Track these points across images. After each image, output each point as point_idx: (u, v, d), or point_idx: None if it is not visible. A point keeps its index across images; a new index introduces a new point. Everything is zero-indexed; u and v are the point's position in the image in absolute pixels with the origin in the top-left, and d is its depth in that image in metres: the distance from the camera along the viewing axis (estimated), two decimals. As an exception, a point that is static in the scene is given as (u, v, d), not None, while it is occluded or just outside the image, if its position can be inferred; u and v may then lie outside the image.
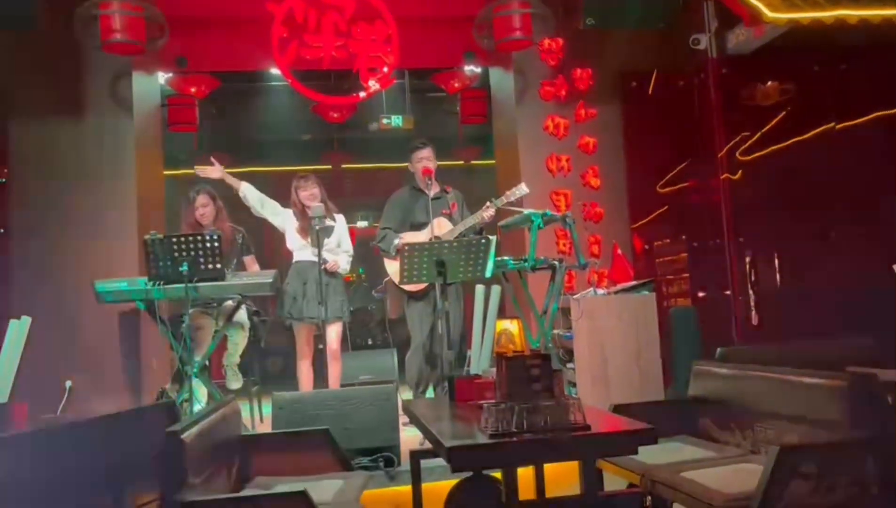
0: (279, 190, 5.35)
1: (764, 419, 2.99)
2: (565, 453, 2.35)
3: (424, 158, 5.03)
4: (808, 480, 2.29)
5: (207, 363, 4.79)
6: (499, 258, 4.36)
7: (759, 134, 6.16)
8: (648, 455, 2.68)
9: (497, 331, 2.77)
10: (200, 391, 4.78)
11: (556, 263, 4.53)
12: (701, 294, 6.05)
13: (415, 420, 2.98)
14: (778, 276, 6.03)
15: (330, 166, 10.52)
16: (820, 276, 5.79)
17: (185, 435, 2.27)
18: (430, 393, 5.07)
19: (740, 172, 6.05)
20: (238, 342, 5.06)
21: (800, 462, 2.29)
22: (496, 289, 3.11)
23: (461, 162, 10.35)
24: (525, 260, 4.45)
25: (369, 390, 3.72)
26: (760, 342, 5.27)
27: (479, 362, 3.07)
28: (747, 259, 5.99)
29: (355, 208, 11.61)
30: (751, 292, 5.94)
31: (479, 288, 3.22)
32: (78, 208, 5.42)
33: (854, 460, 2.35)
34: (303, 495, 2.13)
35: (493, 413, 2.27)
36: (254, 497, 2.24)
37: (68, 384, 4.96)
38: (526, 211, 4.46)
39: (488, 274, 4.25)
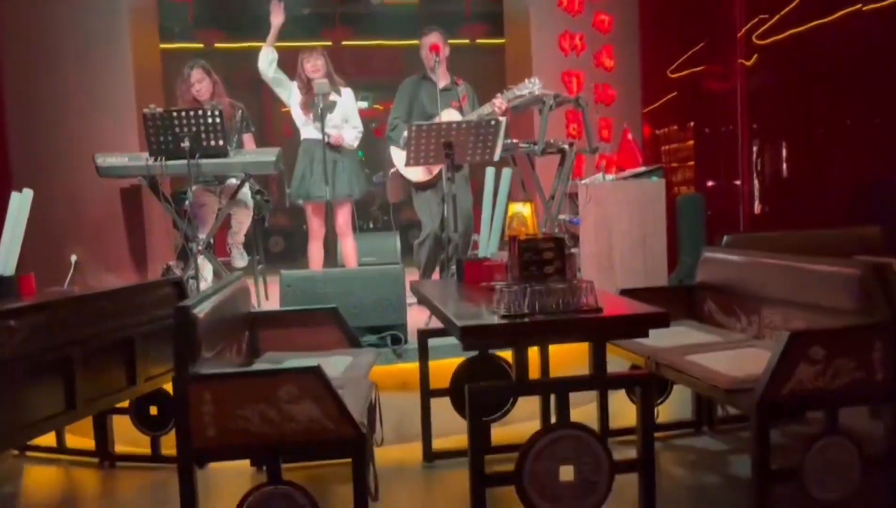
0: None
1: (771, 305, 3.01)
2: (577, 334, 2.36)
3: (433, 41, 4.82)
4: (816, 365, 2.31)
5: (212, 240, 4.77)
6: (508, 141, 4.28)
7: (777, 17, 5.89)
8: (653, 337, 2.69)
9: (509, 214, 2.73)
10: (206, 269, 4.79)
11: (566, 147, 4.44)
12: (709, 183, 5.97)
13: (424, 300, 2.99)
14: (786, 165, 5.91)
15: (330, 43, 10.17)
16: (833, 166, 5.66)
17: (197, 310, 2.27)
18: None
19: (756, 56, 5.83)
20: (242, 220, 5.02)
21: (809, 347, 2.31)
22: (507, 171, 3.05)
23: (467, 41, 9.99)
24: (535, 143, 4.36)
25: (377, 270, 3.73)
26: (767, 231, 5.23)
27: (488, 245, 3.04)
28: (754, 148, 5.87)
29: (355, 87, 11.29)
30: (756, 181, 5.85)
31: (490, 170, 3.16)
32: (74, 81, 5.22)
33: (862, 346, 2.37)
34: (316, 370, 2.15)
35: (505, 295, 2.27)
36: (268, 372, 2.26)
37: (74, 258, 4.98)
38: (536, 91, 4.32)
39: (497, 157, 4.18)
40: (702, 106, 6.06)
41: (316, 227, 4.97)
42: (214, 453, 2.17)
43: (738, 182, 5.67)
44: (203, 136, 4.30)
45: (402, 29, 9.78)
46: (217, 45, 10.22)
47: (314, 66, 4.84)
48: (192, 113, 4.27)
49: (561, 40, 5.39)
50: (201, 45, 9.99)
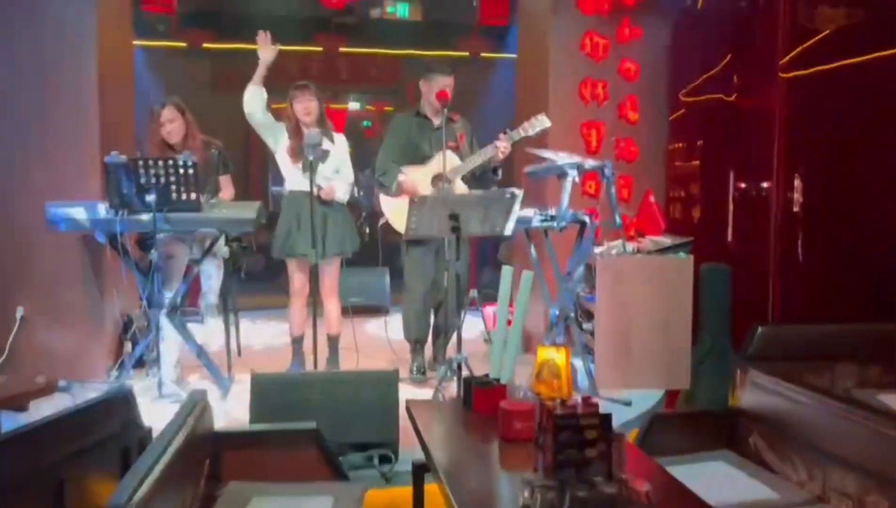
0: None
1: (840, 464, 2.50)
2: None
3: (447, 86, 4.26)
4: None
5: (178, 301, 4.20)
6: (521, 214, 3.74)
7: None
8: (684, 478, 2.15)
9: (539, 359, 2.21)
10: (170, 330, 4.22)
11: (585, 219, 3.92)
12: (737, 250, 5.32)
13: (421, 442, 2.45)
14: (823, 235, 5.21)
15: (322, 49, 9.59)
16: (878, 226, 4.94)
17: (133, 501, 1.72)
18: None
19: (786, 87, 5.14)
20: (214, 276, 4.47)
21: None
22: (528, 275, 2.53)
23: (466, 53, 9.29)
24: (552, 217, 3.83)
25: (366, 375, 3.18)
26: (804, 311, 4.64)
27: (503, 364, 2.53)
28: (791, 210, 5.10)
29: (348, 91, 10.78)
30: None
31: (507, 270, 2.65)
32: (27, 110, 4.46)
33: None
34: None
35: (538, 498, 1.75)
36: None
37: (20, 311, 4.40)
38: (559, 160, 3.79)
39: (509, 231, 3.66)
40: (735, 153, 5.41)
41: (299, 285, 4.43)
42: None
43: (767, 246, 5.01)
44: (173, 187, 3.77)
45: (397, 39, 9.22)
46: (205, 44, 9.59)
47: (306, 108, 4.28)
48: (160, 163, 3.72)
49: (581, 88, 4.82)
50: (185, 44, 9.36)
